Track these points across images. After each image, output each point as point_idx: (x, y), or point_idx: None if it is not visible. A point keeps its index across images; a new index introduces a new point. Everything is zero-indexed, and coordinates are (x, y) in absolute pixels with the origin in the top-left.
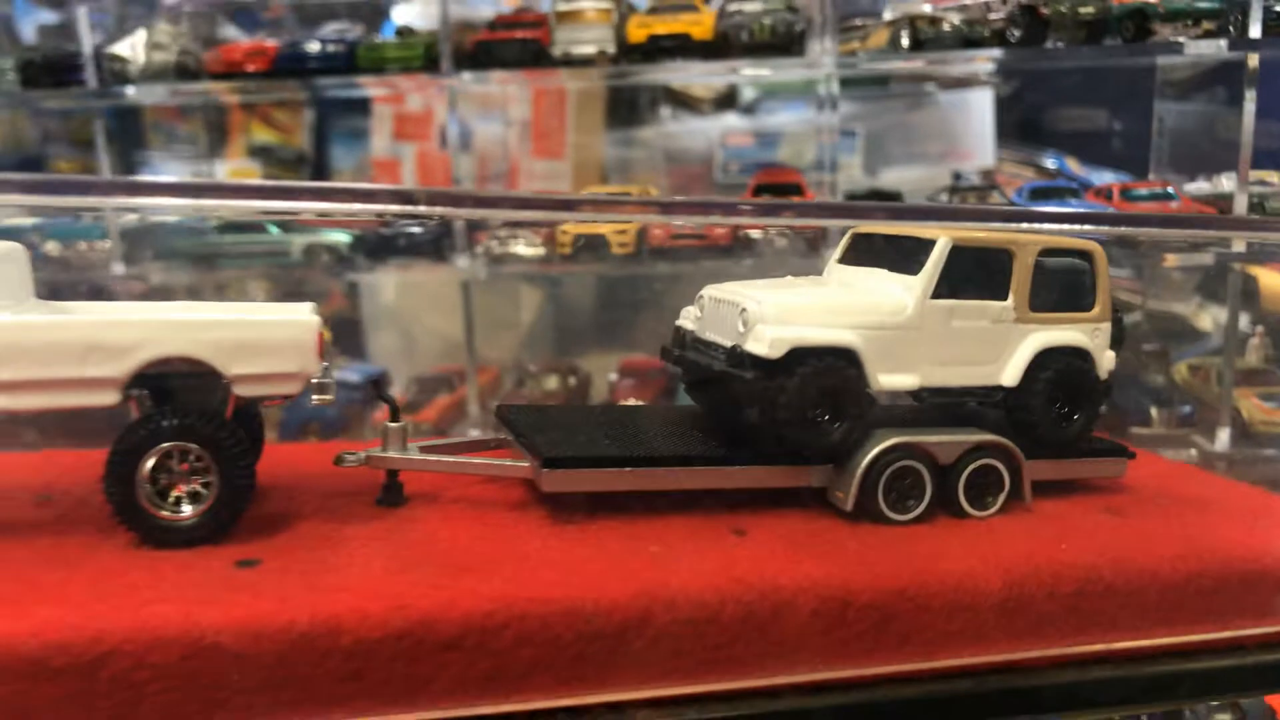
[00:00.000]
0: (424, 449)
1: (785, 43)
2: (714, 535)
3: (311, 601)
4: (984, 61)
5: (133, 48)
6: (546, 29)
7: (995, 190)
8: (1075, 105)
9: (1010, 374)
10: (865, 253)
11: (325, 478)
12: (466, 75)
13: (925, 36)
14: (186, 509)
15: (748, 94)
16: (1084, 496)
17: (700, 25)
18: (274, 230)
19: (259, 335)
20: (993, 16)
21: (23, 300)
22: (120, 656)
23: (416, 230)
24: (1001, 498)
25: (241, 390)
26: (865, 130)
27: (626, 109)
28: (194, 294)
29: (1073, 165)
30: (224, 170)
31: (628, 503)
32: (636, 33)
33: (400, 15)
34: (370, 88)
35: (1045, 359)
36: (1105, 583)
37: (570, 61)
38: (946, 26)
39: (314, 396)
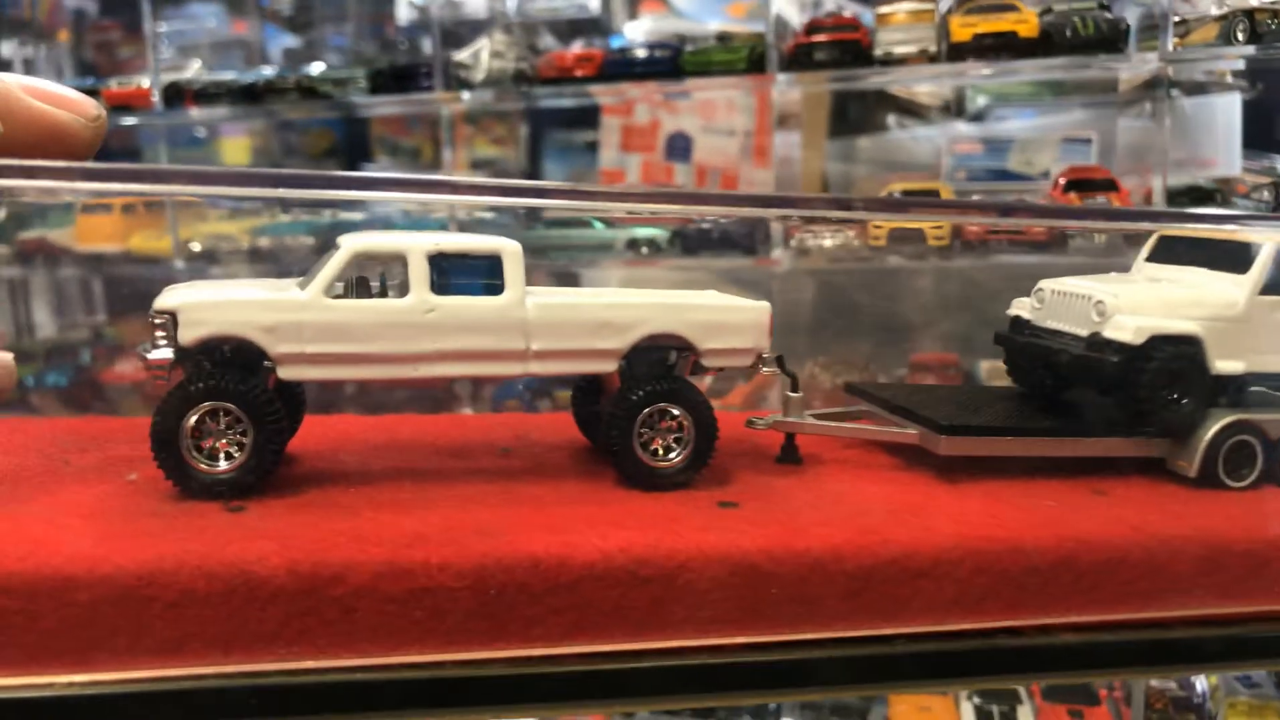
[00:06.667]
0: (815, 416)
1: (1110, 39)
2: (1082, 494)
3: (815, 535)
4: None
5: (475, 56)
6: (864, 31)
7: None
8: None
9: None
10: (1176, 252)
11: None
12: (781, 77)
13: (1265, 29)
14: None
15: (978, 101)
16: None
17: (1026, 23)
18: (598, 225)
19: (728, 318)
20: None
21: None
22: (688, 570)
23: (733, 227)
24: None
25: (709, 362)
26: (1099, 137)
27: (851, 117)
28: None
29: None
30: None
31: (991, 465)
32: (960, 32)
33: (630, 32)
34: (602, 97)
35: None
36: None
37: (890, 61)
38: None
39: (763, 368)
